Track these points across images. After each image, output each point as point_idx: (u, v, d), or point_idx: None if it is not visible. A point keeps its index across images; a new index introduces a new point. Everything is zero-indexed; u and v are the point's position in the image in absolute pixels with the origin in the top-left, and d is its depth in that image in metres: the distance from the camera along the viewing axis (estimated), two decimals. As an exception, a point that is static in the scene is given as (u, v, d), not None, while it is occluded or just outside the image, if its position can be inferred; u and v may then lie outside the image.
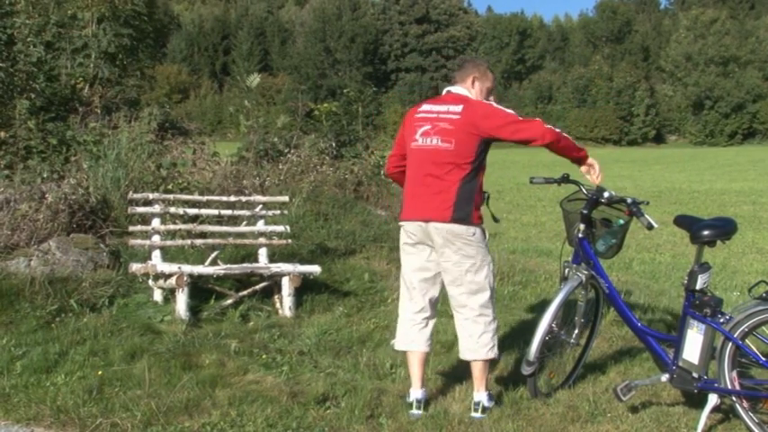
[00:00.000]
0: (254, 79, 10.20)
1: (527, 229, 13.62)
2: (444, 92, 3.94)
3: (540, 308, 5.83)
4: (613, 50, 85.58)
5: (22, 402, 3.77)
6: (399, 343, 3.99)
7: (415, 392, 3.87)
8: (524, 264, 7.91)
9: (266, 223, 6.27)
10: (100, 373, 4.15)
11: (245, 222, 6.38)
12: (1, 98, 8.11)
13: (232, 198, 6.55)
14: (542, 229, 13.44)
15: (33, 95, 8.32)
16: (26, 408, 3.72)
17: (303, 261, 6.25)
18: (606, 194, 4.00)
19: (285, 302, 5.68)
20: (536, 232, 13.09)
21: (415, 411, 3.80)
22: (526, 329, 5.24)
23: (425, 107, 3.91)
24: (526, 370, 3.86)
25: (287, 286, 5.68)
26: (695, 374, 3.60)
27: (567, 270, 4.05)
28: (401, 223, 3.89)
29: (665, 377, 3.76)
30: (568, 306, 4.04)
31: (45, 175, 7.16)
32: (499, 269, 7.18)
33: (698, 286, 3.66)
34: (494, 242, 10.58)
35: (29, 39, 8.93)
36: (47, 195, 6.21)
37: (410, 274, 3.90)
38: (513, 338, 5.11)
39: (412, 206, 3.80)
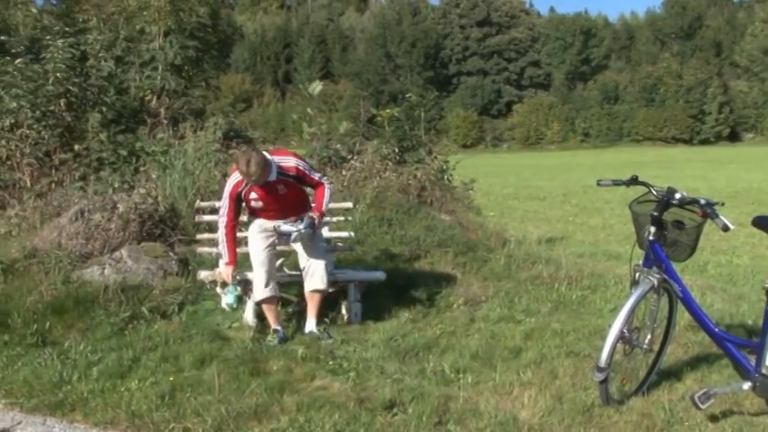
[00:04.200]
0: (316, 86, 10.32)
1: (595, 232, 13.39)
2: None
3: (610, 313, 5.73)
4: (683, 47, 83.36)
5: (99, 407, 3.91)
6: None
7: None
8: (593, 268, 7.76)
9: (330, 230, 6.33)
10: (171, 378, 4.27)
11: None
12: (75, 112, 8.43)
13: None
14: (611, 232, 13.18)
15: (105, 109, 8.62)
16: (103, 412, 3.85)
17: (368, 267, 6.28)
18: (678, 196, 3.90)
19: (351, 309, 5.71)
20: (604, 235, 12.85)
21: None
22: (596, 335, 5.15)
23: None
24: (597, 376, 3.79)
25: (352, 292, 5.72)
26: (780, 382, 3.47)
27: (637, 274, 3.97)
28: None
29: (746, 385, 3.63)
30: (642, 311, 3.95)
31: (116, 186, 7.42)
32: (566, 273, 7.08)
33: (780, 289, 3.53)
34: (561, 246, 10.44)
35: (100, 54, 9.27)
36: (118, 205, 6.42)
37: None
38: (583, 344, 5.02)
39: None
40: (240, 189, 5.19)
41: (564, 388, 4.21)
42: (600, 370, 3.76)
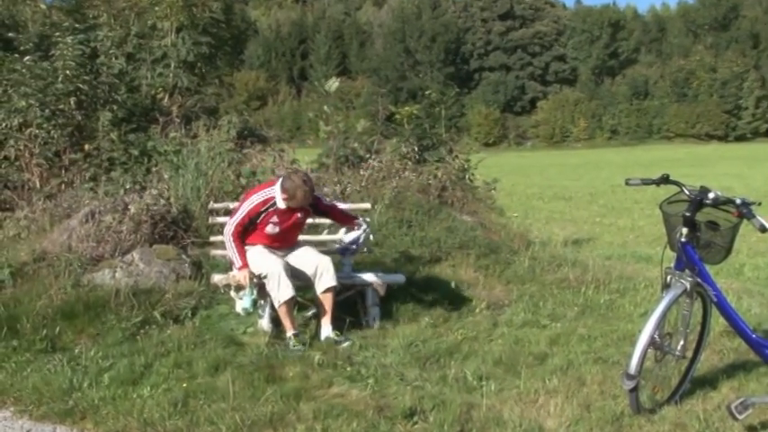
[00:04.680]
0: (333, 83, 10.34)
1: (623, 233, 13.34)
2: None
3: (640, 317, 5.69)
4: (717, 39, 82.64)
5: (111, 414, 3.94)
6: None
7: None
8: (621, 270, 7.73)
9: (348, 231, 6.32)
10: (184, 385, 4.29)
11: (326, 231, 6.47)
12: (85, 111, 8.50)
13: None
14: (640, 234, 13.12)
15: (115, 107, 8.69)
16: (114, 420, 3.88)
17: (387, 270, 6.28)
18: (711, 195, 3.86)
19: (369, 313, 5.72)
20: (633, 237, 12.79)
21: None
22: (626, 341, 5.12)
23: None
24: (627, 384, 3.76)
25: (371, 296, 5.72)
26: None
27: (669, 277, 3.94)
28: None
29: (785, 394, 3.59)
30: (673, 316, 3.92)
31: (127, 187, 7.48)
32: (594, 276, 7.06)
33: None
34: (587, 248, 10.40)
35: (111, 51, 9.35)
36: (129, 207, 6.47)
37: None
38: (611, 350, 4.99)
39: None
40: (264, 209, 5.27)
41: (592, 396, 4.19)
42: (630, 377, 3.73)
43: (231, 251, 5.29)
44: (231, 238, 5.28)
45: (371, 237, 6.06)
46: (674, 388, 4.14)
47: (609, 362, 4.74)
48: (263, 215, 5.29)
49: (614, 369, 4.58)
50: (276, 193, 5.26)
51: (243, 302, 5.22)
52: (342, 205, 6.08)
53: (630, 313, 6.07)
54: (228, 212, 6.02)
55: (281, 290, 5.13)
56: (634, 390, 3.80)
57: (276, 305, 5.19)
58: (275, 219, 5.30)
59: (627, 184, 4.34)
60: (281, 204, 5.25)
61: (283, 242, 5.47)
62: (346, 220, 5.78)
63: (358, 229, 5.63)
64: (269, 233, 5.37)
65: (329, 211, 5.77)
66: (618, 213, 16.64)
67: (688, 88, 77.85)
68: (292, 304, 5.24)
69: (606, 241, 11.97)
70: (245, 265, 5.22)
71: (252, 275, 5.20)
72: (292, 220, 5.38)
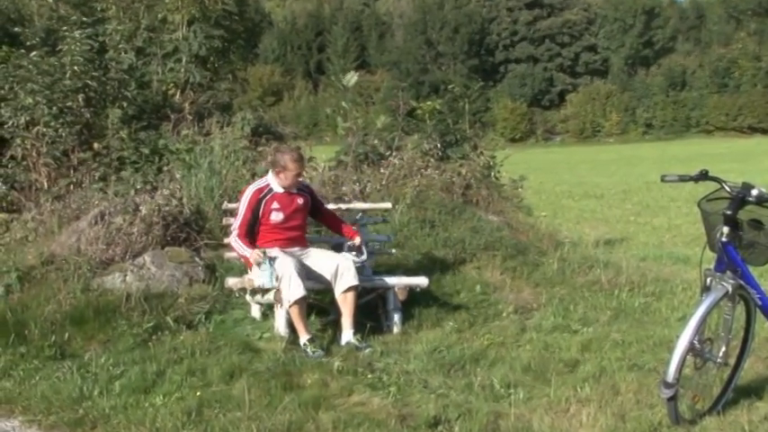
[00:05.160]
0: (351, 77, 10.34)
1: (659, 233, 13.25)
2: None
3: (678, 322, 5.65)
4: (761, 25, 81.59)
5: (122, 424, 3.97)
6: None
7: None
8: (658, 272, 7.68)
9: (368, 232, 6.34)
10: (198, 393, 4.32)
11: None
12: (94, 108, 8.57)
13: (331, 206, 6.66)
14: (677, 233, 13.02)
15: (125, 104, 8.75)
16: (126, 430, 3.91)
17: (409, 272, 6.29)
18: (755, 192, 3.83)
19: (391, 317, 5.72)
20: (670, 236, 12.70)
21: None
22: (662, 347, 5.08)
23: None
24: (665, 393, 3.74)
25: (392, 300, 5.72)
26: None
27: (709, 279, 3.91)
28: None
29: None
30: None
31: (138, 187, 7.52)
32: (628, 278, 7.02)
33: None
34: (621, 248, 10.33)
35: (120, 45, 9.42)
36: (140, 207, 6.52)
37: None
38: (647, 356, 4.95)
39: None
40: (261, 196, 5.54)
41: (627, 405, 4.17)
42: (667, 386, 3.70)
43: (240, 249, 5.49)
44: (237, 239, 5.51)
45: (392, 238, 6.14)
46: (716, 397, 4.11)
47: (645, 369, 4.72)
48: (263, 204, 5.52)
49: (650, 377, 4.55)
50: (270, 180, 5.62)
51: (263, 277, 5.30)
52: (362, 205, 6.16)
53: (667, 317, 6.04)
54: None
55: (292, 289, 5.17)
56: (672, 399, 3.77)
57: (287, 306, 5.22)
58: (276, 205, 5.54)
59: (663, 180, 4.31)
60: (278, 188, 5.57)
61: (292, 234, 5.58)
62: (343, 229, 5.93)
63: (356, 254, 5.69)
64: (275, 222, 5.55)
65: (326, 216, 5.99)
66: (653, 212, 16.52)
67: (729, 78, 77.02)
68: (304, 306, 5.26)
69: (641, 241, 11.89)
70: (255, 246, 5.44)
71: (264, 253, 5.35)
72: (294, 205, 5.61)
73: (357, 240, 5.75)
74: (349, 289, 5.39)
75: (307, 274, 5.44)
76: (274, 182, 5.62)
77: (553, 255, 7.61)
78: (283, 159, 5.56)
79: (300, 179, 5.72)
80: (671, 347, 3.78)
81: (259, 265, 5.33)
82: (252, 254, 5.37)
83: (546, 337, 5.51)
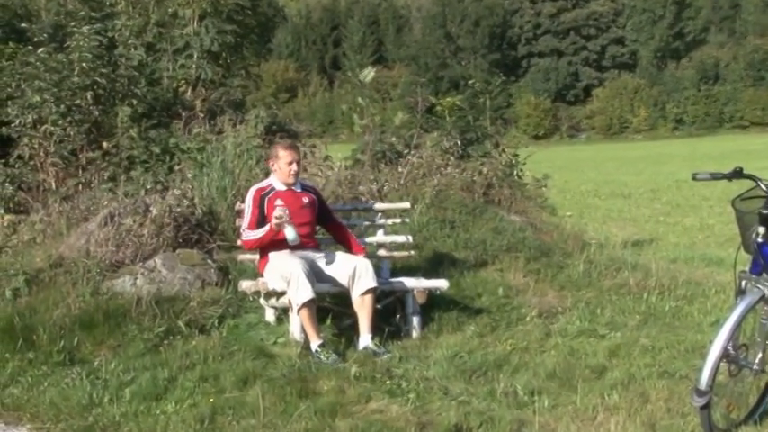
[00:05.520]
0: (368, 73, 10.35)
1: (691, 233, 13.18)
2: None
3: (711, 327, 5.61)
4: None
5: None
6: None
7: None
8: (689, 274, 7.63)
9: (386, 233, 6.35)
10: (211, 400, 4.34)
11: (362, 233, 6.49)
12: (103, 106, 8.62)
13: (347, 206, 6.68)
14: (710, 234, 12.95)
15: (135, 102, 8.79)
16: (136, 437, 3.94)
17: (428, 274, 6.28)
18: (792, 190, 3.79)
19: (409, 321, 5.72)
20: (702, 237, 12.63)
21: None
22: (694, 352, 5.05)
23: None
24: (697, 401, 3.71)
25: (411, 303, 5.72)
26: None
27: (743, 282, 3.89)
28: None
29: None
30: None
31: (149, 187, 7.56)
32: (657, 281, 6.99)
33: None
34: (650, 250, 10.27)
35: (129, 41, 9.47)
36: (151, 208, 6.55)
37: None
38: (678, 363, 4.92)
39: None
40: (264, 194, 5.64)
41: (657, 414, 4.15)
42: (700, 393, 3.67)
43: (254, 236, 5.57)
44: (248, 231, 5.60)
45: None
46: (753, 406, 4.08)
47: (676, 376, 4.69)
48: (266, 202, 5.61)
49: (682, 384, 4.53)
50: (272, 180, 5.75)
51: (289, 234, 5.35)
52: (380, 205, 6.16)
53: (699, 322, 6.00)
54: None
55: (300, 291, 5.17)
56: (705, 407, 3.74)
57: (295, 309, 5.22)
58: (280, 202, 5.58)
59: (694, 179, 4.28)
60: (280, 186, 5.68)
61: (301, 233, 5.49)
62: (350, 242, 5.94)
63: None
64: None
65: (334, 224, 6.02)
66: (684, 211, 16.44)
67: (765, 71, 76.37)
68: (314, 309, 5.25)
69: (671, 242, 11.83)
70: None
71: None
72: (299, 202, 5.68)
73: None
74: (367, 291, 5.38)
75: (319, 276, 5.44)
76: (275, 180, 5.71)
77: (579, 256, 7.58)
78: (275, 149, 5.73)
79: (297, 169, 5.70)
80: (704, 353, 3.75)
81: (282, 225, 5.35)
82: (271, 222, 5.40)
83: (571, 342, 5.49)
